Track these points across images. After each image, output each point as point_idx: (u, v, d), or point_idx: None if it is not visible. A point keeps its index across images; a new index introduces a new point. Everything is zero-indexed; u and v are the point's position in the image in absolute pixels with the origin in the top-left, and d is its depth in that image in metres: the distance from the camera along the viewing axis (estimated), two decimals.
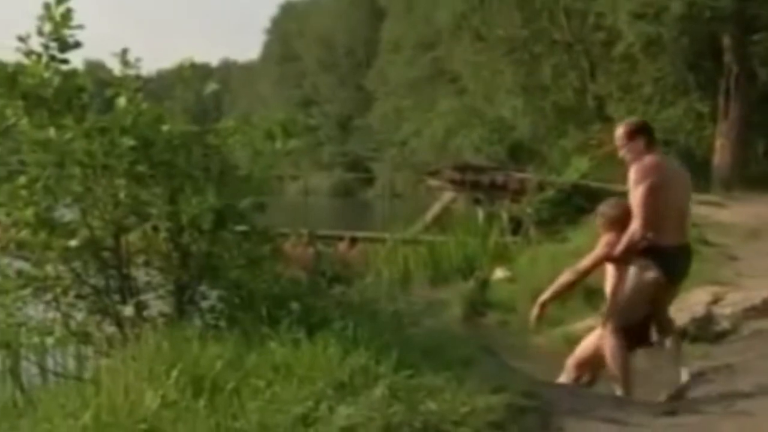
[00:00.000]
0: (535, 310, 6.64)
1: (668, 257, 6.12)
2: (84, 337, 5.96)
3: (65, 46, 5.68)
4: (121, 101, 5.81)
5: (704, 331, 9.00)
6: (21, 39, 5.64)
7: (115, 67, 5.99)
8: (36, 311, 5.97)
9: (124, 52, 5.97)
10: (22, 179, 5.72)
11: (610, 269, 6.45)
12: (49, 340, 5.93)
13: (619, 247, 6.14)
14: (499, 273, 14.70)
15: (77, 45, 5.71)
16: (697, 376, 6.79)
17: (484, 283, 14.14)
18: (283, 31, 75.15)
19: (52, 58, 5.68)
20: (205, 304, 6.10)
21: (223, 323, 5.76)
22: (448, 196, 22.04)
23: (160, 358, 4.86)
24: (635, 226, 6.03)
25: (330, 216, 38.01)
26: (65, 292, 5.91)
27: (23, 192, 5.71)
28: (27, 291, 5.87)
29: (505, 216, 19.28)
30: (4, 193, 5.72)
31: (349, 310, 5.62)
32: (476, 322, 12.98)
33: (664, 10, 23.65)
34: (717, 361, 7.37)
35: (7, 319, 5.85)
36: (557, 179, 20.06)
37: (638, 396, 6.16)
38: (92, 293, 5.94)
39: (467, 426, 4.41)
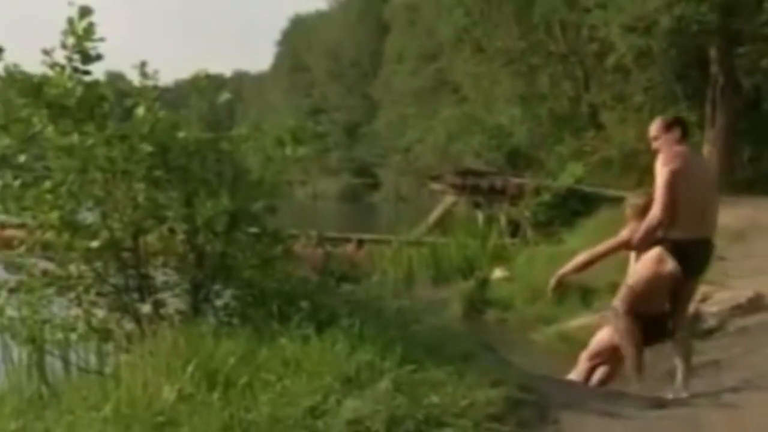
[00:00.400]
0: (552, 282, 6.71)
1: (686, 250, 5.91)
2: (105, 334, 5.97)
3: (87, 58, 5.69)
4: (140, 110, 5.82)
5: (692, 328, 8.98)
6: (46, 52, 5.66)
7: (135, 78, 6.02)
8: (60, 309, 5.98)
9: (143, 64, 5.99)
10: (48, 184, 5.73)
11: (632, 258, 6.31)
12: (72, 336, 5.94)
13: (638, 234, 5.96)
14: (498, 273, 14.69)
15: (99, 57, 5.72)
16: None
17: (484, 283, 14.13)
18: (293, 44, 75.10)
19: (75, 69, 5.69)
20: (219, 302, 6.09)
21: (236, 320, 5.75)
22: (449, 199, 22.05)
23: (176, 354, 4.86)
24: (654, 210, 5.85)
25: (338, 219, 38.00)
26: (87, 291, 5.92)
27: (48, 196, 5.72)
28: (51, 289, 5.89)
29: (503, 219, 19.30)
30: (31, 197, 5.73)
31: (356, 308, 5.62)
32: (476, 319, 12.97)
33: (654, 23, 23.64)
34: (704, 356, 7.35)
35: (33, 316, 5.86)
36: (553, 184, 20.04)
37: (635, 390, 6.15)
38: (112, 292, 5.94)
39: (467, 418, 4.41)
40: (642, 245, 6.00)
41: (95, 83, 5.76)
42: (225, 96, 6.76)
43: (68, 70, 5.67)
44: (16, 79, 5.62)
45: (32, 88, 5.60)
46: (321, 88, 67.40)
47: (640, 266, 6.07)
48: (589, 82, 30.01)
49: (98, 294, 5.95)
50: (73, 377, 5.93)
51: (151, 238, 6.01)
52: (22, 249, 5.92)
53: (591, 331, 9.95)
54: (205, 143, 5.97)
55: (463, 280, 14.78)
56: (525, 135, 31.96)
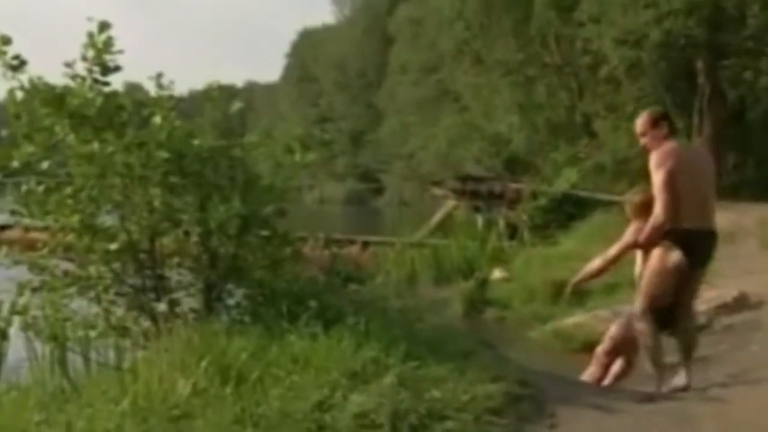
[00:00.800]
0: (568, 289, 6.73)
1: (690, 241, 5.71)
2: (123, 331, 5.96)
3: (107, 69, 5.70)
4: (157, 119, 5.83)
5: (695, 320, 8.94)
6: (67, 64, 5.68)
7: (151, 88, 6.03)
8: (80, 307, 5.98)
9: (159, 75, 6.01)
10: (69, 189, 5.74)
11: (639, 256, 6.15)
12: (92, 334, 5.94)
13: (644, 233, 5.78)
14: (497, 273, 14.67)
15: (117, 69, 5.73)
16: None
17: (483, 283, 14.10)
18: (301, 56, 75.08)
19: (95, 80, 5.70)
20: (231, 302, 6.09)
21: (247, 319, 5.75)
22: (450, 203, 22.06)
23: (190, 350, 4.86)
24: (657, 210, 5.66)
25: (343, 222, 37.99)
26: (106, 291, 5.92)
27: (70, 201, 5.74)
28: (72, 289, 5.89)
29: (502, 222, 19.31)
30: (53, 201, 5.75)
31: (362, 307, 5.61)
32: (476, 318, 12.94)
33: (644, 37, 23.68)
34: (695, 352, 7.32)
35: (55, 314, 5.87)
36: (549, 189, 20.06)
37: (627, 385, 6.13)
38: (130, 291, 5.95)
39: (468, 412, 4.40)
40: (648, 245, 5.83)
41: (114, 93, 5.78)
42: (237, 105, 6.76)
43: (89, 82, 5.69)
44: (40, 90, 5.63)
45: (55, 98, 5.61)
46: (328, 98, 67.41)
47: (649, 265, 5.86)
48: (583, 92, 29.99)
49: (117, 293, 5.95)
50: (92, 372, 5.93)
51: (166, 241, 6.01)
52: (45, 251, 5.94)
53: (585, 328, 10.00)
54: (218, 150, 5.97)
55: (464, 281, 14.75)
56: (522, 142, 31.96)
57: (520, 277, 13.89)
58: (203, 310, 5.88)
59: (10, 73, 5.62)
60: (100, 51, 5.63)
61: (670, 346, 5.98)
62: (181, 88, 6.11)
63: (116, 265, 5.88)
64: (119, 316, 5.97)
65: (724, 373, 6.20)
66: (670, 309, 5.90)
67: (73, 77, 5.69)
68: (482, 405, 4.49)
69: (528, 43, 31.11)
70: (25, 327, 5.91)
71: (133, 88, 6.61)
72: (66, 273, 5.91)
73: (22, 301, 5.84)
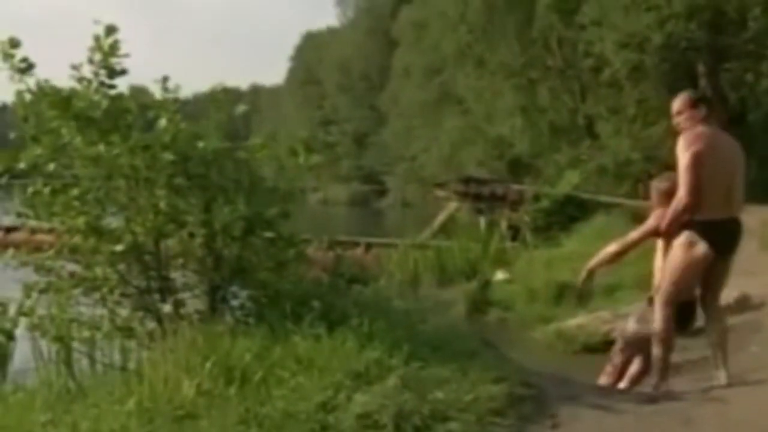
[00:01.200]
0: (582, 274, 6.27)
1: (715, 230, 5.49)
2: (128, 332, 5.97)
3: (113, 73, 5.70)
4: (162, 121, 5.83)
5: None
6: (74, 67, 5.68)
7: (157, 91, 6.03)
8: (86, 308, 5.98)
9: (165, 79, 6.00)
10: (75, 191, 5.74)
11: (660, 245, 5.96)
12: (98, 335, 5.94)
13: (666, 219, 5.56)
14: (499, 275, 14.68)
15: (123, 72, 5.73)
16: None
17: (486, 284, 14.12)
18: (305, 59, 75.08)
19: (101, 83, 5.70)
20: (235, 303, 6.09)
21: (251, 320, 5.75)
22: (453, 205, 22.06)
23: (195, 351, 4.86)
24: (680, 193, 5.43)
25: (347, 223, 37.96)
26: (111, 292, 5.92)
27: (76, 203, 5.74)
28: (78, 290, 5.89)
29: (504, 224, 19.30)
30: (59, 203, 5.75)
31: (365, 308, 5.60)
32: (478, 319, 12.95)
33: (646, 40, 23.72)
34: (694, 353, 7.30)
35: (61, 315, 5.87)
36: (551, 191, 20.06)
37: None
38: (135, 292, 5.94)
39: (471, 413, 4.40)
40: (670, 230, 5.60)
41: (120, 96, 5.78)
42: (241, 108, 6.76)
43: (95, 84, 5.69)
44: (47, 93, 5.64)
45: (61, 101, 5.61)
46: (332, 101, 67.39)
47: (672, 256, 5.64)
48: (586, 95, 30.01)
49: (122, 295, 5.95)
50: (98, 373, 5.93)
51: (171, 242, 6.01)
52: (51, 252, 5.94)
53: (587, 330, 10.01)
54: (223, 152, 5.97)
55: (467, 282, 14.78)
56: (525, 145, 31.99)
57: (523, 278, 13.90)
58: (208, 312, 5.88)
59: (18, 76, 5.64)
60: (107, 54, 5.63)
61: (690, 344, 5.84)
62: (186, 91, 6.10)
63: (121, 267, 5.88)
64: (124, 317, 5.96)
65: (725, 374, 6.18)
66: (691, 305, 5.78)
67: (80, 80, 5.69)
68: (485, 406, 4.49)
69: (530, 46, 31.14)
70: (32, 328, 5.92)
71: (139, 91, 6.60)
72: (72, 274, 5.91)
73: (28, 302, 5.85)
